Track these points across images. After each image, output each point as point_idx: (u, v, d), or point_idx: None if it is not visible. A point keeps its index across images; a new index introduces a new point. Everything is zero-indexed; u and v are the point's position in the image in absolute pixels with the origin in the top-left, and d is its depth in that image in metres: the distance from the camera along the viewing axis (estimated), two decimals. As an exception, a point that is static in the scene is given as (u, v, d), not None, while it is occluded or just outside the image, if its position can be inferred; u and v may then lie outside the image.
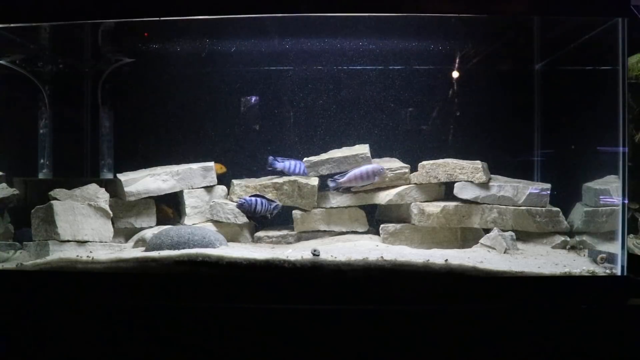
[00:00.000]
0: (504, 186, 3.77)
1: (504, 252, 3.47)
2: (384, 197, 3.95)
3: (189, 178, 4.06)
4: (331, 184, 3.89)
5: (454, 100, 4.33)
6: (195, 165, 4.09)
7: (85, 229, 3.60)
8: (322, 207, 4.02)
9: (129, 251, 3.52)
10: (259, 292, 2.90)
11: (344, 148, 4.20)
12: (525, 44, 4.18)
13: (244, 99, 4.43)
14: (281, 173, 3.97)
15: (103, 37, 4.11)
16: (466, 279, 2.87)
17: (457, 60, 4.27)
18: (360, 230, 4.01)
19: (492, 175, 3.92)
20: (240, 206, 3.76)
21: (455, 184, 3.84)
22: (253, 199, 3.71)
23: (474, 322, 2.76)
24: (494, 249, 3.53)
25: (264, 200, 3.73)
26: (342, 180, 3.81)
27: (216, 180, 4.14)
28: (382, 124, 4.30)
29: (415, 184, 3.95)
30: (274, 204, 3.77)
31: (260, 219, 3.87)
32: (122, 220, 3.92)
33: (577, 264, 3.14)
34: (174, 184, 4.02)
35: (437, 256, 3.11)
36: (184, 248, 3.24)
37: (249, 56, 4.35)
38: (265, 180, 4.05)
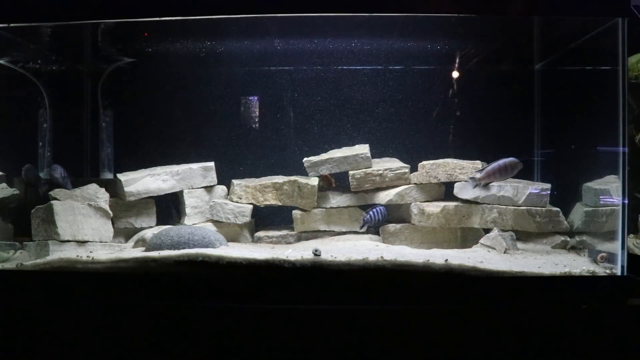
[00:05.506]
0: (504, 186, 3.77)
1: (504, 252, 3.47)
2: (384, 197, 3.94)
3: (189, 178, 4.06)
4: (471, 183, 3.68)
5: (454, 100, 4.33)
6: (195, 165, 4.09)
7: (85, 229, 3.60)
8: (322, 207, 4.02)
9: (129, 251, 3.52)
10: (259, 292, 2.90)
11: (344, 148, 4.20)
12: (525, 44, 4.18)
13: (243, 99, 4.43)
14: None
15: (103, 37, 4.11)
16: (466, 279, 2.87)
17: (457, 60, 4.27)
18: (360, 230, 4.01)
19: (492, 175, 3.92)
20: (365, 222, 3.86)
21: (455, 184, 3.84)
22: (371, 212, 3.82)
23: (474, 322, 2.76)
24: (494, 249, 3.53)
25: (380, 209, 3.85)
26: (480, 176, 3.63)
27: (216, 180, 4.14)
28: (382, 123, 4.30)
29: (415, 184, 3.95)
30: (383, 208, 3.89)
31: (378, 226, 3.93)
32: (122, 220, 3.93)
33: (577, 264, 3.14)
34: (174, 184, 4.02)
35: (437, 256, 3.11)
36: (184, 248, 3.24)
37: (249, 56, 4.35)
38: (265, 180, 4.06)
